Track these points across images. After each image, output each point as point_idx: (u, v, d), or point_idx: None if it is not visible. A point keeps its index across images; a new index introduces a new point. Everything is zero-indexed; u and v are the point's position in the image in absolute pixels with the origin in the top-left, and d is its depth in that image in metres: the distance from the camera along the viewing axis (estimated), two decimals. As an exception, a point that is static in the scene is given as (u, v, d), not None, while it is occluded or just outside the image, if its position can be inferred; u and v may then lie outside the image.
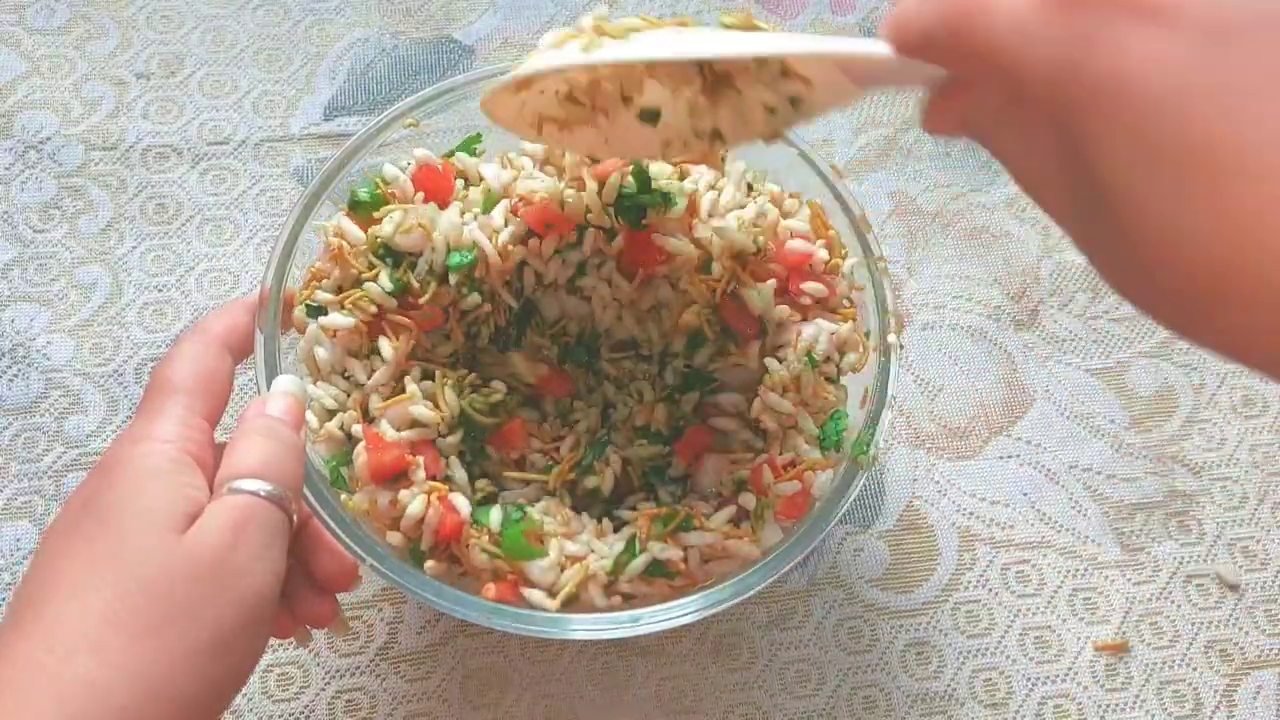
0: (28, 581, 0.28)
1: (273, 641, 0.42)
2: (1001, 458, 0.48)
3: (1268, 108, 0.16)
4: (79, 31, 0.55)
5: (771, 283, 0.38)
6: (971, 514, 0.47)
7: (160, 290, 0.49)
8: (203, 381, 0.32)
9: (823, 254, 0.39)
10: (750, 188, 0.41)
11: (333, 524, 0.34)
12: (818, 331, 0.38)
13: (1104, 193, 0.18)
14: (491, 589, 0.36)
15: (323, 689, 0.42)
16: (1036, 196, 0.22)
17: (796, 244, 0.39)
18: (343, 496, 0.36)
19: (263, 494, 0.29)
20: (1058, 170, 0.20)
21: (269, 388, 0.34)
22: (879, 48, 0.25)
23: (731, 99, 0.32)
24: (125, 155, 0.52)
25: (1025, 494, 0.47)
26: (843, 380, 0.39)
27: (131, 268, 0.50)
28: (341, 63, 0.56)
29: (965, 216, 0.54)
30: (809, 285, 0.38)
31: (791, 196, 0.41)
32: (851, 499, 0.36)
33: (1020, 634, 0.44)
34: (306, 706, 0.42)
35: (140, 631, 0.26)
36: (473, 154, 0.43)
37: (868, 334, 0.39)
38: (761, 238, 0.38)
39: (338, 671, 0.42)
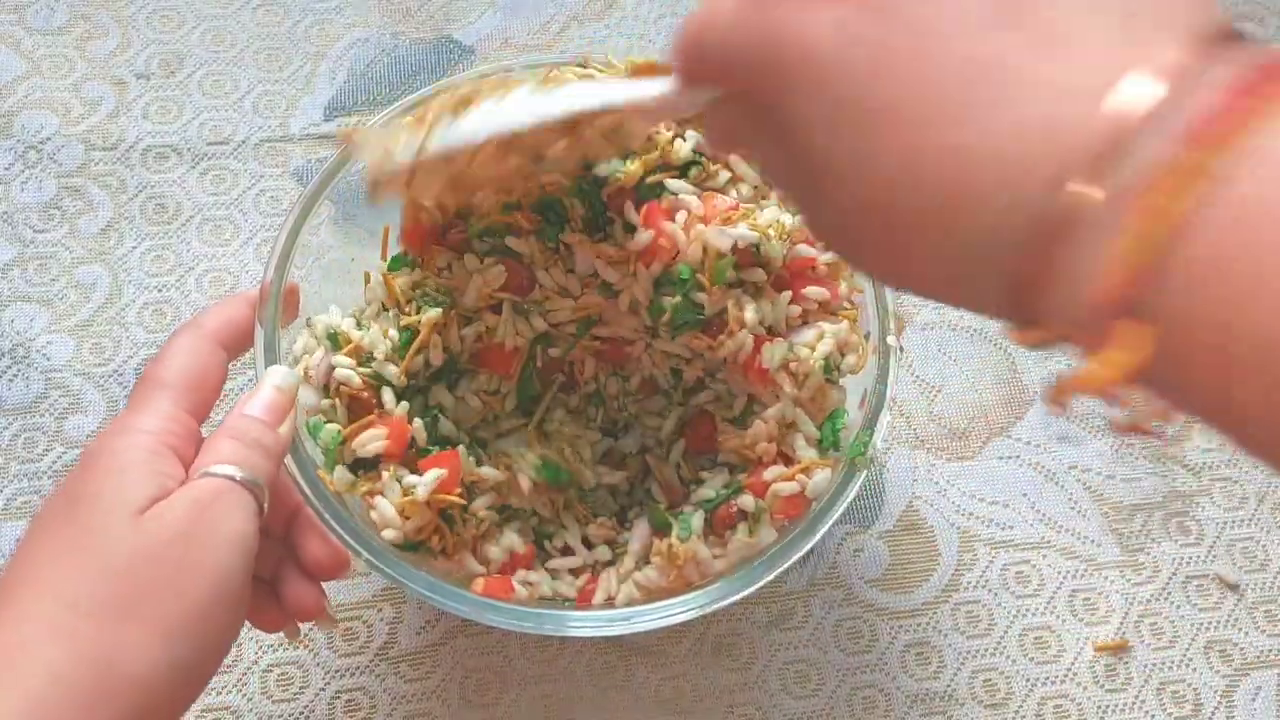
0: (12, 567, 0.28)
1: (272, 641, 0.42)
2: (1001, 458, 0.48)
3: (907, 67, 0.19)
4: (79, 31, 0.55)
5: (787, 295, 0.38)
6: (971, 514, 0.47)
7: (160, 290, 0.49)
8: (191, 377, 0.32)
9: (827, 257, 0.39)
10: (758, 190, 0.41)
11: (327, 515, 0.34)
12: (819, 334, 0.38)
13: (804, 156, 0.21)
14: (480, 584, 0.36)
15: (322, 689, 0.42)
16: (778, 187, 0.25)
17: (801, 249, 0.39)
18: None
19: (233, 477, 0.29)
20: (778, 151, 0.23)
21: None
22: (653, 89, 0.28)
23: (580, 133, 0.35)
24: (125, 155, 0.52)
25: (1025, 494, 0.47)
26: (841, 381, 0.39)
27: (131, 268, 0.50)
28: (341, 63, 0.56)
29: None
30: (812, 290, 0.38)
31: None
32: (850, 499, 0.36)
33: (1020, 634, 0.44)
34: (306, 706, 0.42)
35: (103, 616, 0.26)
36: None
37: (867, 335, 0.39)
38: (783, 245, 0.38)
39: (338, 671, 0.42)
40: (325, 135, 0.54)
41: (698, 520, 0.37)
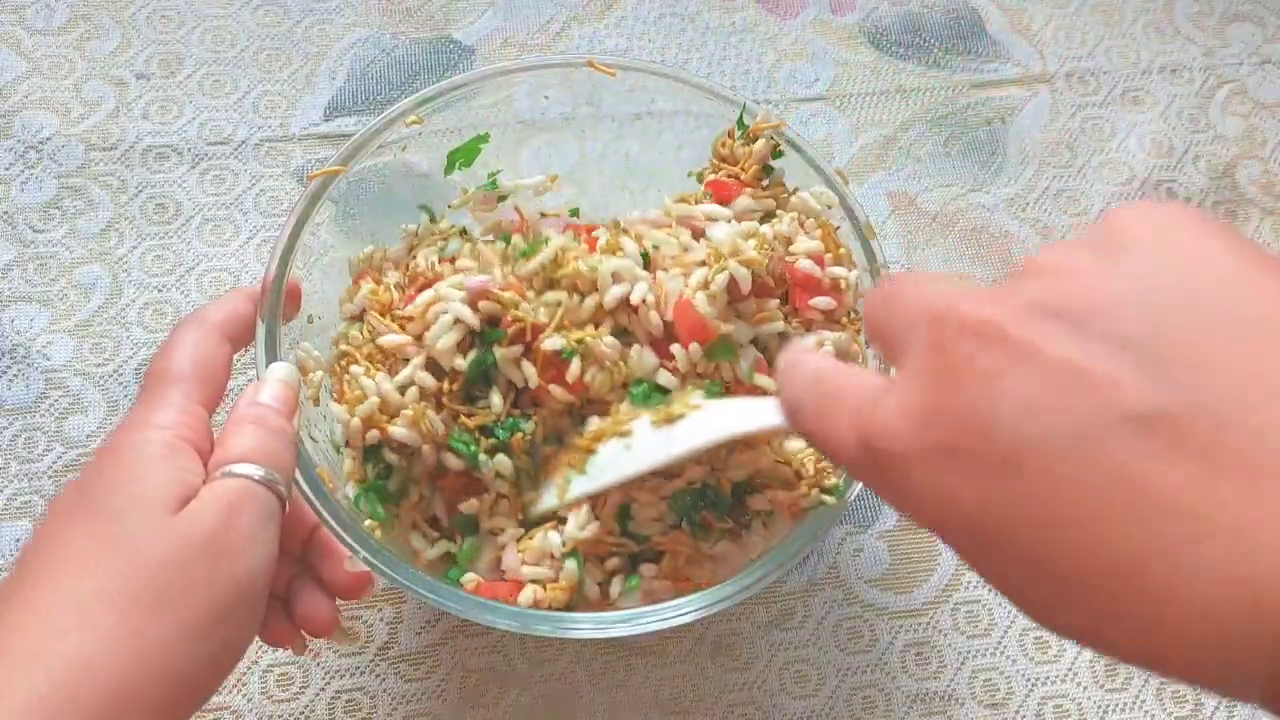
0: (23, 560, 0.28)
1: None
2: None
3: (1054, 525, 0.19)
4: (79, 31, 0.55)
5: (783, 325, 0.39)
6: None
7: (160, 290, 0.49)
8: (200, 369, 0.32)
9: (836, 270, 0.39)
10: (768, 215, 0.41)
11: (327, 516, 0.34)
12: (819, 343, 0.38)
13: (988, 580, 0.21)
14: (474, 580, 0.36)
15: (323, 689, 0.42)
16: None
17: (805, 264, 0.39)
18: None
19: (255, 478, 0.30)
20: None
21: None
22: (777, 419, 0.28)
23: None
24: (125, 155, 0.52)
25: None
26: None
27: (131, 268, 0.50)
28: (341, 63, 0.56)
29: (965, 216, 0.54)
30: (819, 300, 0.38)
31: (810, 217, 0.41)
32: (850, 501, 0.36)
33: (1020, 634, 0.44)
34: (306, 706, 0.42)
35: (132, 610, 0.26)
36: (477, 153, 0.43)
37: (868, 342, 0.39)
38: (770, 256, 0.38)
39: (338, 671, 0.42)
40: (325, 135, 0.54)
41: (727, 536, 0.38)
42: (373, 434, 0.36)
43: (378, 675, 0.42)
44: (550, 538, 0.36)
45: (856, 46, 0.59)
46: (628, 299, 0.37)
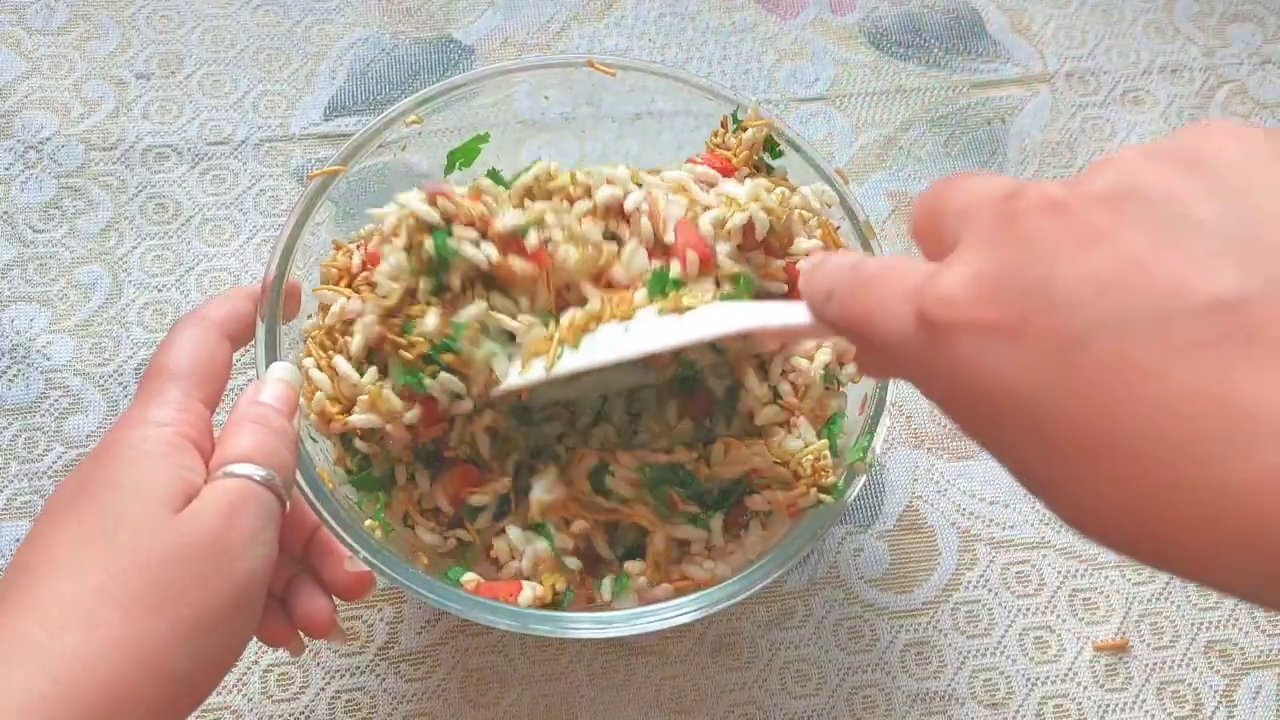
0: (20, 559, 0.28)
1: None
2: None
3: (1116, 401, 0.18)
4: (79, 31, 0.55)
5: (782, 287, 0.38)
6: (971, 514, 0.47)
7: (160, 290, 0.49)
8: (201, 366, 0.32)
9: None
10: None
11: (327, 516, 0.34)
12: (818, 343, 0.38)
13: (1025, 475, 0.21)
14: (474, 580, 0.36)
15: (323, 689, 0.42)
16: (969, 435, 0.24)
17: (805, 263, 0.38)
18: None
19: (256, 478, 0.29)
20: (971, 424, 0.22)
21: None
22: (806, 318, 0.26)
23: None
24: (125, 155, 0.52)
25: (1025, 494, 0.46)
26: (842, 389, 0.39)
27: (131, 268, 0.50)
28: (341, 63, 0.56)
29: (965, 216, 0.54)
30: None
31: (812, 216, 0.40)
32: (849, 501, 0.36)
33: (1020, 634, 0.44)
34: (306, 706, 0.42)
35: (133, 608, 0.26)
36: (476, 153, 0.43)
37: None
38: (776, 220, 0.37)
39: (338, 671, 0.42)
40: (325, 135, 0.54)
41: (716, 522, 0.37)
42: (336, 424, 0.36)
43: (378, 675, 0.42)
44: (510, 532, 0.36)
45: (856, 46, 0.59)
46: (621, 206, 0.36)
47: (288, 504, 0.31)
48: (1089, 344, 0.18)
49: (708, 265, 0.35)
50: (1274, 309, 0.17)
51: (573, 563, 0.36)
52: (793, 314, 0.27)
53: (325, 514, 0.34)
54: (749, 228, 0.36)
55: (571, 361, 0.33)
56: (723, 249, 0.36)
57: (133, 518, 0.27)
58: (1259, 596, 0.18)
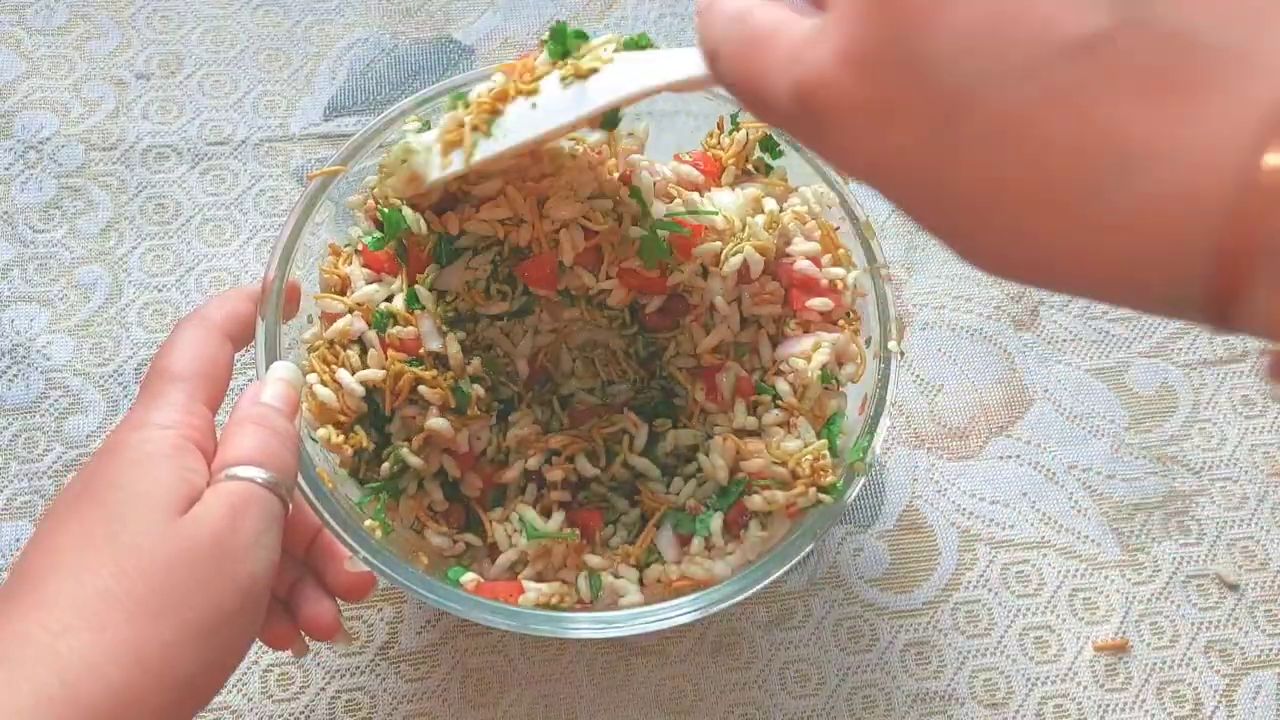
0: (23, 561, 0.28)
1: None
2: (1001, 458, 0.48)
3: (1002, 156, 0.19)
4: (79, 31, 0.55)
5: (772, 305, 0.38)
6: (971, 514, 0.47)
7: (160, 290, 0.49)
8: (203, 368, 0.32)
9: (834, 271, 0.39)
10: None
11: (328, 517, 0.34)
12: (815, 344, 0.38)
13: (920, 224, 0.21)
14: (474, 580, 0.36)
15: (323, 689, 0.42)
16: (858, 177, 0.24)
17: (803, 265, 0.39)
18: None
19: (259, 480, 0.29)
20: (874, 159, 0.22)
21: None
22: (699, 67, 0.26)
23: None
24: (125, 155, 0.52)
25: (1025, 494, 0.47)
26: (841, 389, 0.39)
27: (131, 268, 0.50)
28: (341, 63, 0.56)
29: (965, 216, 0.54)
30: (816, 301, 0.38)
31: (811, 218, 0.41)
32: (849, 501, 0.36)
33: (1020, 634, 0.44)
34: (306, 706, 0.42)
35: (138, 611, 0.26)
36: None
37: (868, 341, 0.39)
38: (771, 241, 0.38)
39: (338, 671, 0.42)
40: (325, 135, 0.54)
41: (716, 521, 0.37)
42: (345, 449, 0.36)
43: (378, 675, 0.42)
44: (521, 510, 0.37)
45: None
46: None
47: (290, 506, 0.31)
48: (964, 110, 0.18)
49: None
50: (1139, 39, 0.17)
51: (570, 534, 0.36)
52: (690, 65, 0.27)
53: (325, 514, 0.34)
54: (744, 270, 0.37)
55: (488, 148, 0.33)
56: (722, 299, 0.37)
57: (135, 520, 0.27)
58: (1139, 306, 0.19)
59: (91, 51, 0.55)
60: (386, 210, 0.37)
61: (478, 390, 0.37)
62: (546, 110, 0.32)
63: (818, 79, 0.20)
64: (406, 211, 0.37)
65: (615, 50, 0.32)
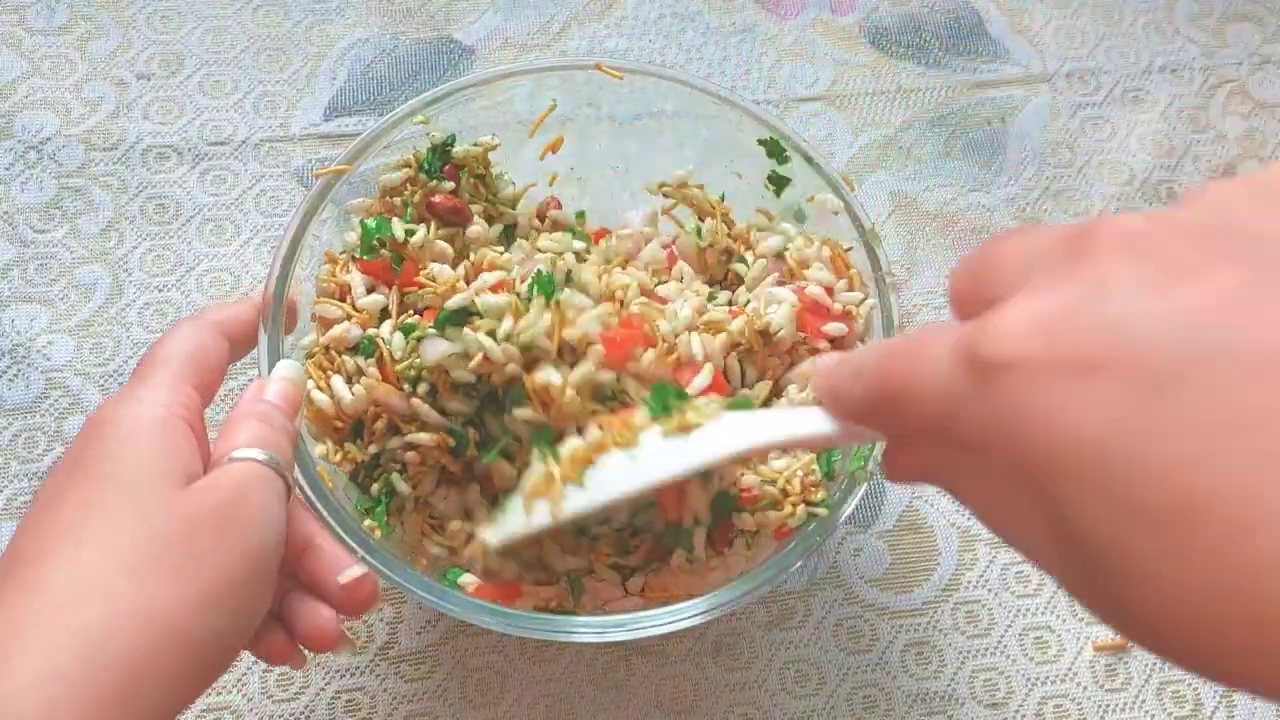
0: (18, 541, 0.27)
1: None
2: None
3: (1225, 451, 0.15)
4: (79, 31, 0.55)
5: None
6: (971, 515, 0.47)
7: (160, 290, 0.49)
8: (194, 353, 0.32)
9: (851, 296, 0.39)
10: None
11: (326, 515, 0.34)
12: (813, 367, 0.38)
13: (1087, 548, 0.17)
14: (471, 581, 0.36)
15: (323, 689, 0.42)
16: (1012, 545, 0.21)
17: (815, 290, 0.39)
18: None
19: (261, 460, 0.29)
20: (1029, 524, 0.19)
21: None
22: (822, 426, 0.25)
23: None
24: (125, 155, 0.52)
25: None
26: None
27: (132, 268, 0.49)
28: (342, 63, 0.56)
29: (965, 216, 0.54)
30: (831, 326, 0.39)
31: (824, 243, 0.41)
32: (848, 511, 0.36)
33: (1020, 634, 0.44)
34: (306, 706, 0.42)
35: (146, 579, 0.26)
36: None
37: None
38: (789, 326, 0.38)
39: (338, 671, 0.42)
40: (326, 135, 0.53)
41: (699, 536, 0.36)
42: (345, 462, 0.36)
43: (378, 675, 0.42)
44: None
45: (856, 46, 0.58)
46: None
47: (293, 491, 0.31)
48: (1180, 383, 0.15)
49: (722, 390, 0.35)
50: None
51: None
52: (810, 422, 0.25)
53: (325, 513, 0.34)
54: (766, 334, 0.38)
55: (578, 501, 0.31)
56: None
57: (137, 489, 0.27)
58: None
59: (92, 52, 0.55)
60: (368, 222, 0.37)
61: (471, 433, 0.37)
62: (648, 463, 0.30)
63: (1002, 333, 0.18)
64: (395, 223, 0.37)
65: (718, 409, 0.31)
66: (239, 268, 0.50)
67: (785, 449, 0.31)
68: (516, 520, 0.33)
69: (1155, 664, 0.44)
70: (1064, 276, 0.18)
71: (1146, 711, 0.43)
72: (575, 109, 0.44)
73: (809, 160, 0.41)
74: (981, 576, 0.45)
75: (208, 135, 0.53)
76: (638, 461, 0.31)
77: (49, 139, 0.52)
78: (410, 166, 0.41)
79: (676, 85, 0.43)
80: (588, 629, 0.34)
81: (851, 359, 0.23)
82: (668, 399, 0.32)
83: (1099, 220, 0.18)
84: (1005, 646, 0.44)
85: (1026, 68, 0.59)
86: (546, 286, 0.35)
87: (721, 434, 0.29)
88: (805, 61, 0.58)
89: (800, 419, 0.26)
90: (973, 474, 0.20)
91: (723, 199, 0.44)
